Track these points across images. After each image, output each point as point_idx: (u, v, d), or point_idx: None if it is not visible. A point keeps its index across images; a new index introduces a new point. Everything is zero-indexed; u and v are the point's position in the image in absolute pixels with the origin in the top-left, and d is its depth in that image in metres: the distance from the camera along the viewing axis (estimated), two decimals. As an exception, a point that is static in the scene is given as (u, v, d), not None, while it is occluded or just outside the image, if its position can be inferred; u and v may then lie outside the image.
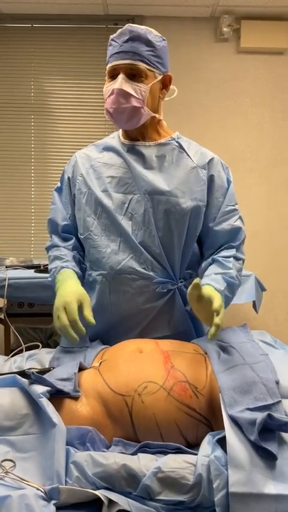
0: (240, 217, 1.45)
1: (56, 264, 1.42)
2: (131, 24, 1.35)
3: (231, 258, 1.39)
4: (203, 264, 1.43)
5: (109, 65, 1.36)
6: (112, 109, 1.35)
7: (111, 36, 1.37)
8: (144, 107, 1.35)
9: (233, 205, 1.44)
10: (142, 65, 1.33)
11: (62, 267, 1.40)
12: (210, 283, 1.27)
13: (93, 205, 1.41)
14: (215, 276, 1.31)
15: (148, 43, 1.33)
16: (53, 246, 1.49)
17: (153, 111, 1.39)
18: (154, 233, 1.36)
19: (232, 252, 1.41)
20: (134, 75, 1.33)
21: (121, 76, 1.32)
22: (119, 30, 1.35)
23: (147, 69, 1.34)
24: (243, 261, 1.43)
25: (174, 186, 1.37)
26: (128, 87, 1.32)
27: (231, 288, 1.33)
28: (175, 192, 1.36)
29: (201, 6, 3.26)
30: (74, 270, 1.40)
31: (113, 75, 1.35)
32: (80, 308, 1.24)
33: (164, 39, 1.39)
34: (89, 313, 1.23)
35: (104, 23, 3.45)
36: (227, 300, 1.30)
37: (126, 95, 1.32)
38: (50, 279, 1.43)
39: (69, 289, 1.29)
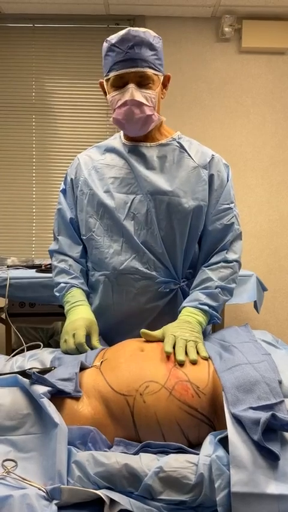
0: (235, 216, 1.43)
1: (64, 278, 1.45)
2: (131, 28, 1.31)
3: (220, 264, 1.39)
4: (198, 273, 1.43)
5: (114, 73, 1.31)
6: (125, 120, 1.34)
7: (111, 41, 1.32)
8: (155, 113, 1.37)
9: (228, 204, 1.42)
10: (150, 71, 1.31)
11: (72, 286, 1.44)
12: (185, 305, 1.34)
13: (96, 206, 1.41)
14: (192, 295, 1.36)
15: (151, 47, 1.31)
16: (59, 252, 1.50)
17: (158, 113, 1.40)
18: (156, 233, 1.36)
19: (222, 255, 1.40)
20: (142, 83, 1.32)
21: (132, 86, 1.30)
22: (119, 34, 1.30)
23: (154, 74, 1.33)
24: (237, 261, 1.42)
25: (176, 186, 1.37)
26: (140, 97, 1.31)
27: (213, 297, 1.34)
28: (177, 192, 1.37)
29: (203, 6, 3.25)
30: (83, 289, 1.44)
31: (121, 84, 1.32)
32: (88, 335, 1.31)
33: (160, 39, 1.37)
34: (96, 342, 1.31)
35: (105, 23, 3.45)
36: (212, 309, 1.33)
37: (139, 105, 1.32)
38: (57, 294, 1.46)
39: (80, 316, 1.35)
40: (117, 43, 1.30)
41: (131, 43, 1.28)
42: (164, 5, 3.24)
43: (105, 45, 1.35)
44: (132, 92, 1.30)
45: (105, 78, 1.37)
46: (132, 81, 1.31)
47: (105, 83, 1.39)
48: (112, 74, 1.32)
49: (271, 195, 3.52)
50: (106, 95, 1.41)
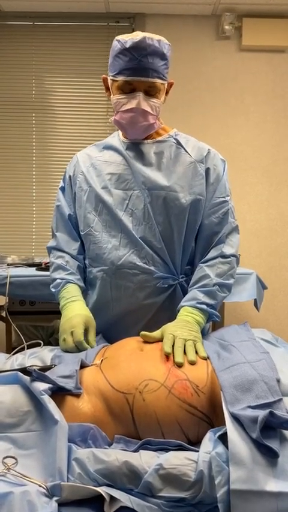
0: (230, 209, 1.44)
1: (60, 274, 1.46)
2: (145, 34, 1.28)
3: (218, 259, 1.39)
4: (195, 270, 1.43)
5: (123, 78, 1.31)
6: (128, 125, 1.37)
7: (125, 45, 1.28)
8: (157, 121, 1.39)
9: (224, 197, 1.43)
10: (159, 82, 1.32)
11: (68, 282, 1.44)
12: (183, 304, 1.34)
13: (94, 202, 1.43)
14: (190, 293, 1.36)
15: (163, 57, 1.31)
16: (57, 248, 1.51)
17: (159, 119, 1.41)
18: (154, 228, 1.37)
19: (219, 250, 1.40)
20: (150, 92, 1.33)
21: (141, 95, 1.31)
22: (134, 39, 1.27)
23: (161, 83, 1.34)
24: (235, 255, 1.42)
25: (173, 181, 1.38)
26: (146, 106, 1.33)
27: (211, 295, 1.35)
28: (174, 187, 1.38)
29: (203, 4, 3.25)
30: (79, 285, 1.45)
31: (128, 90, 1.33)
32: (86, 330, 1.31)
33: (170, 45, 1.36)
34: (92, 339, 1.32)
35: (105, 21, 3.45)
36: (211, 307, 1.34)
37: (144, 113, 1.34)
38: (53, 290, 1.47)
39: (76, 312, 1.35)
40: (131, 49, 1.27)
41: (145, 52, 1.27)
42: (164, 3, 3.24)
43: (116, 44, 1.32)
44: (140, 101, 1.31)
45: (110, 77, 1.36)
46: (141, 89, 1.32)
47: (109, 81, 1.38)
48: (121, 79, 1.31)
49: (271, 193, 3.52)
50: (107, 90, 1.42)
